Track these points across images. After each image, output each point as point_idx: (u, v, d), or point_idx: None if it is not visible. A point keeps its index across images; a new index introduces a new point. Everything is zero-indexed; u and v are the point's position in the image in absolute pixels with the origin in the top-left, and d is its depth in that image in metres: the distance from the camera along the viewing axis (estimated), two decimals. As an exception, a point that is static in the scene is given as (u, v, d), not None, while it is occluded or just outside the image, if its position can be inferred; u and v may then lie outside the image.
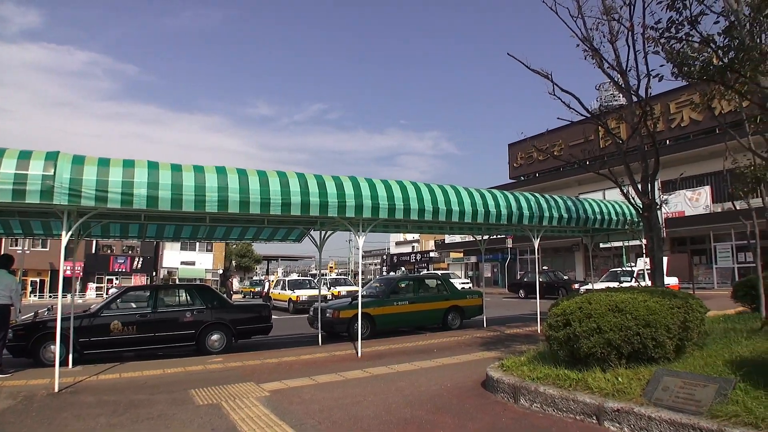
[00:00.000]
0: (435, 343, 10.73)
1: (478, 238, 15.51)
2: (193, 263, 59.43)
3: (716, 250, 29.16)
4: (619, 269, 22.87)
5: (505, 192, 11.72)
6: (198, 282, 53.76)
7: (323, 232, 11.56)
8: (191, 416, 5.57)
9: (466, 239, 44.47)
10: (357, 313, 10.77)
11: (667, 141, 33.36)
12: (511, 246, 37.88)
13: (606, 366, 5.59)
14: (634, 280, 21.07)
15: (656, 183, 9.68)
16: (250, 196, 8.00)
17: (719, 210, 29.92)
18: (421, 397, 6.10)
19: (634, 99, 9.07)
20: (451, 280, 19.31)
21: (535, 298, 27.67)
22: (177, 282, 50.96)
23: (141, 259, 56.54)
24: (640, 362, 5.64)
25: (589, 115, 9.53)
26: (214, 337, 10.35)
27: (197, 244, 58.94)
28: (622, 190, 9.08)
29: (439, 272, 40.03)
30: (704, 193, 29.88)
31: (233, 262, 63.94)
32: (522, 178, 44.48)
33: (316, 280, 23.24)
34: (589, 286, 21.54)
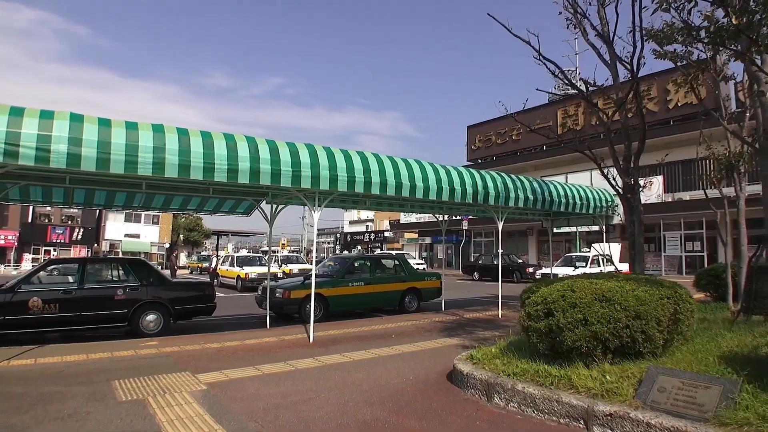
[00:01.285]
0: (392, 327, 10.05)
1: (439, 217, 14.82)
2: (137, 236, 56.84)
3: (665, 239, 29.74)
4: (574, 254, 22.84)
5: (471, 170, 11.06)
6: (143, 256, 51.58)
7: (275, 206, 10.58)
8: (109, 416, 4.65)
9: (422, 219, 44.17)
10: (309, 294, 9.96)
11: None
12: (466, 228, 37.71)
13: (590, 361, 5.00)
14: (589, 265, 21.03)
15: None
16: (192, 159, 6.99)
17: (670, 200, 30.54)
18: (381, 393, 5.37)
19: (622, 78, 8.52)
20: (408, 261, 18.70)
21: (490, 280, 27.94)
22: (120, 255, 48.65)
23: (81, 230, 53.50)
24: (626, 357, 5.09)
25: (571, 86, 8.90)
26: (150, 317, 9.31)
27: (142, 215, 56.40)
28: (602, 171, 8.56)
29: (394, 252, 39.52)
30: (656, 183, 30.28)
31: (181, 236, 61.55)
32: (480, 161, 44.25)
33: (266, 257, 22.20)
34: (547, 270, 21.45)
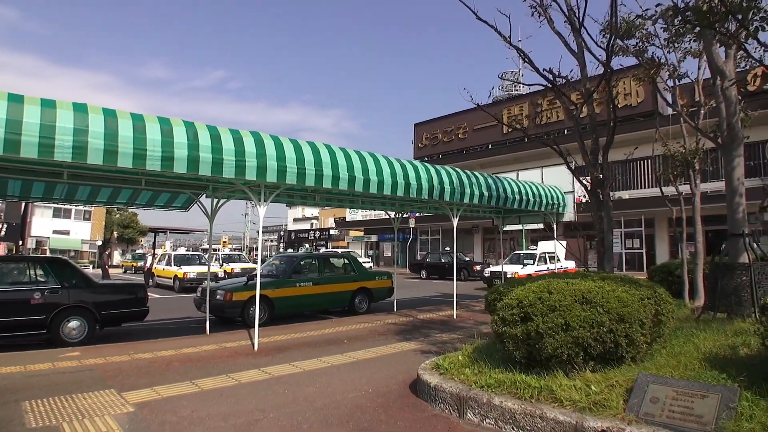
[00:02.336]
0: (344, 331, 9.41)
1: (391, 214, 14.28)
2: (67, 232, 53.43)
3: (606, 236, 30.43)
4: (522, 252, 22.86)
5: (426, 164, 10.57)
6: (72, 254, 48.53)
7: (216, 200, 9.69)
8: (8, 450, 3.81)
9: (369, 217, 43.60)
10: (254, 296, 9.22)
11: (566, 131, 34.31)
12: (413, 226, 37.47)
13: (569, 369, 4.55)
14: (537, 263, 21.07)
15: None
16: (120, 144, 6.11)
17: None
18: (339, 410, 4.73)
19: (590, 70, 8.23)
20: (356, 260, 18.05)
21: (438, 278, 27.72)
22: (48, 254, 45.48)
23: (4, 225, 49.73)
24: (606, 363, 4.68)
25: (545, 76, 8.49)
26: (72, 324, 8.26)
27: (72, 210, 53.07)
28: (568, 165, 8.24)
29: (340, 251, 38.81)
30: (598, 181, 30.93)
31: (114, 233, 58.38)
32: (426, 159, 44.10)
33: (206, 256, 21.03)
34: (496, 268, 21.35)
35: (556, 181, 15.23)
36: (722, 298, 7.13)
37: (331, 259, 13.18)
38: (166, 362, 6.82)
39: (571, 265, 22.92)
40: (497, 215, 16.60)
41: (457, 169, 11.32)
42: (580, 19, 7.55)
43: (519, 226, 28.92)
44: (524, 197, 12.86)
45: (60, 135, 5.74)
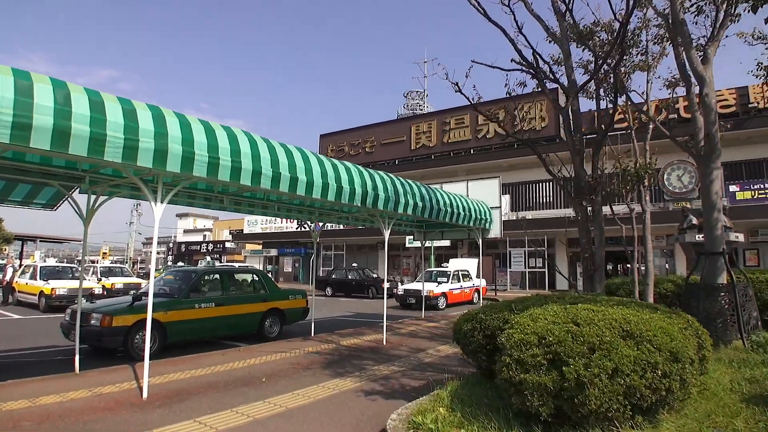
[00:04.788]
0: (258, 364, 7.63)
1: (310, 225, 12.68)
2: None
3: (511, 255, 30.71)
4: (435, 269, 22.00)
5: (359, 167, 9.14)
6: None
7: (94, 196, 7.50)
8: None
9: (268, 229, 41.22)
10: (141, 320, 7.27)
11: (471, 150, 34.62)
12: (318, 240, 35.74)
13: (608, 427, 3.29)
14: (451, 281, 20.24)
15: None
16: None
17: (514, 218, 31.70)
18: None
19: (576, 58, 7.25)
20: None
21: (344, 296, 26.15)
22: None
23: None
24: (644, 414, 3.49)
25: (526, 65, 7.38)
26: None
27: None
28: (549, 170, 7.17)
29: (236, 264, 36.19)
30: (504, 201, 31.20)
31: (-32, 241, 50.68)
32: (331, 171, 42.74)
33: (80, 268, 17.95)
34: (411, 286, 20.24)
35: (482, 196, 14.39)
36: (706, 323, 6.32)
37: (237, 274, 11.24)
38: (11, 421, 4.74)
39: (482, 283, 22.44)
40: (419, 229, 15.50)
41: (391, 175, 9.99)
42: (567, 2, 6.57)
43: (423, 243, 28.39)
44: (455, 210, 11.82)
45: None
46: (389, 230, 10.25)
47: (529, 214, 31.31)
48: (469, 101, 7.47)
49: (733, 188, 24.02)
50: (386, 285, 11.30)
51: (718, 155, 6.92)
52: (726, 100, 24.97)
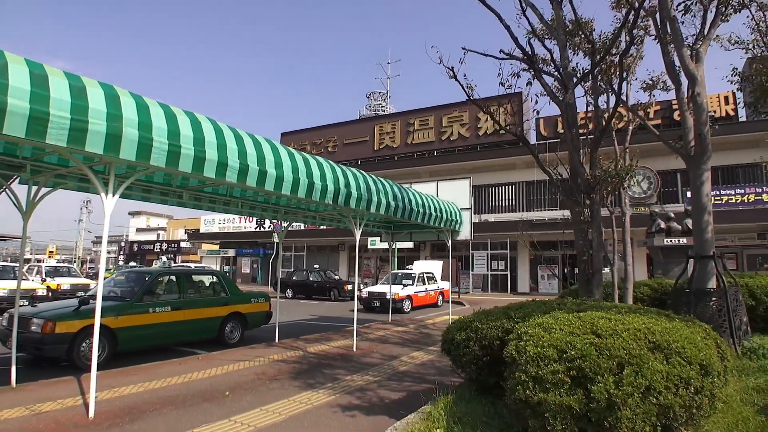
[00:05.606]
0: (220, 375, 6.96)
1: (268, 225, 12.03)
2: None
3: (473, 258, 30.62)
4: (400, 272, 21.55)
5: (331, 162, 8.59)
6: None
7: (35, 187, 6.66)
8: None
9: (226, 229, 40.03)
10: (89, 326, 6.54)
11: (435, 152, 34.52)
12: (278, 240, 34.85)
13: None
14: (416, 283, 19.81)
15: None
16: None
17: (476, 221, 31.67)
18: None
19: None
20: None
21: (304, 298, 25.41)
22: None
23: None
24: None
25: (520, 51, 6.93)
26: None
27: None
28: (543, 167, 6.76)
29: (193, 265, 34.91)
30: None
31: None
32: (292, 170, 41.85)
33: (20, 267, 16.62)
34: (375, 288, 19.71)
35: (452, 197, 14.03)
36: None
37: (194, 276, 10.46)
38: None
39: (446, 285, 22.13)
40: (386, 230, 15.01)
41: (363, 172, 9.47)
42: None
43: (385, 245, 27.98)
44: (428, 211, 11.39)
45: None
46: (360, 230, 9.71)
47: (491, 217, 31.37)
48: (463, 88, 7.03)
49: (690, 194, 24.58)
50: (356, 288, 10.75)
51: (709, 156, 6.71)
52: (660, 111, 25.74)
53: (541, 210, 30.49)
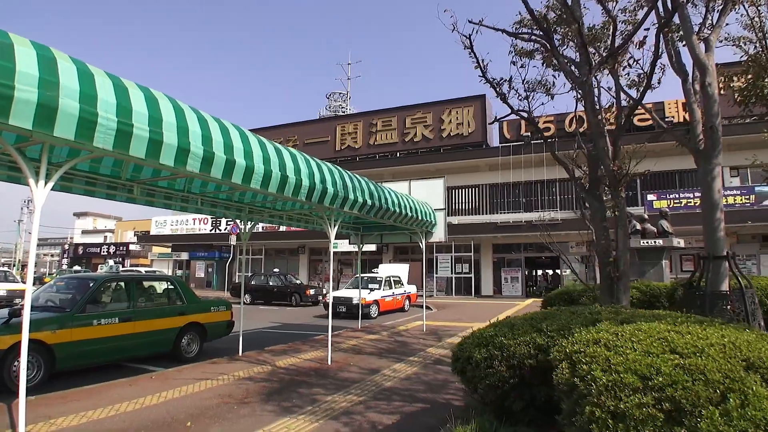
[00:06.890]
0: (177, 398, 5.96)
1: (224, 227, 10.96)
2: None
3: (437, 261, 30.12)
4: (366, 275, 20.69)
5: (305, 154, 7.71)
6: None
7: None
8: None
9: (179, 231, 38.19)
10: (19, 342, 5.46)
11: (398, 153, 34.00)
12: (234, 243, 33.45)
13: None
14: (382, 287, 19.00)
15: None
16: None
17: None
18: None
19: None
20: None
21: (263, 303, 24.23)
22: None
23: None
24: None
25: (541, 26, 6.18)
26: None
27: None
28: (560, 160, 6.06)
29: (143, 269, 33.16)
30: (431, 206, 30.63)
31: None
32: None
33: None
34: (341, 293, 18.77)
35: (425, 197, 13.34)
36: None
37: (146, 282, 9.35)
38: None
39: (413, 289, 21.46)
40: (356, 231, 14.16)
41: (338, 167, 8.63)
42: None
43: (344, 248, 27.09)
44: (403, 211, 10.64)
45: None
46: (335, 231, 8.85)
47: (455, 220, 30.94)
48: (479, 62, 6.30)
49: (650, 197, 24.85)
50: (330, 293, 9.87)
51: (720, 150, 6.22)
52: (644, 114, 25.87)
53: (504, 213, 30.21)
